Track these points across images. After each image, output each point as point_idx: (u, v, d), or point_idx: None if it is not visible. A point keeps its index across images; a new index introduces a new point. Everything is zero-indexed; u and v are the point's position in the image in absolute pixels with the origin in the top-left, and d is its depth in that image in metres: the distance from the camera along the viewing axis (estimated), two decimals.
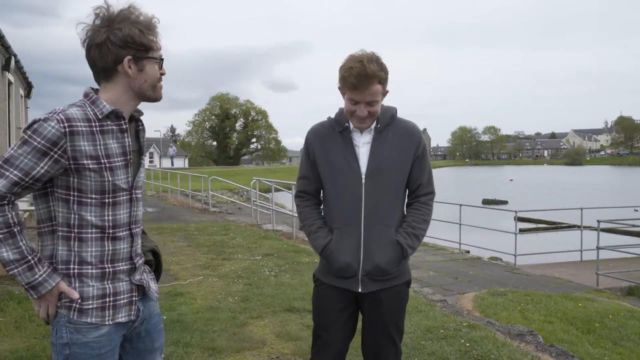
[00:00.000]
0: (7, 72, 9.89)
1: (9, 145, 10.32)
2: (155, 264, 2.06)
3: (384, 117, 2.33)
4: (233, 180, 20.16)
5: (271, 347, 4.14)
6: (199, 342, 4.14)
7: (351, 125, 2.33)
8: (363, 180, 2.28)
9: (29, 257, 1.61)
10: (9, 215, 1.58)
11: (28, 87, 14.02)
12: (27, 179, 1.58)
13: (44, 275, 1.63)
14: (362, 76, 2.14)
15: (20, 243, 1.60)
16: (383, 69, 2.21)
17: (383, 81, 2.22)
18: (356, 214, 2.28)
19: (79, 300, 1.68)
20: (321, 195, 2.47)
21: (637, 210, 16.92)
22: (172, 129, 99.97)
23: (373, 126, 2.32)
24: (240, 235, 10.21)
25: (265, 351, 4.04)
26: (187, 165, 53.80)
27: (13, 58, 9.93)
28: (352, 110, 2.25)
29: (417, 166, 2.35)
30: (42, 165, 1.58)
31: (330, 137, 2.35)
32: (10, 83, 10.61)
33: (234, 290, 5.88)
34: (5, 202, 1.58)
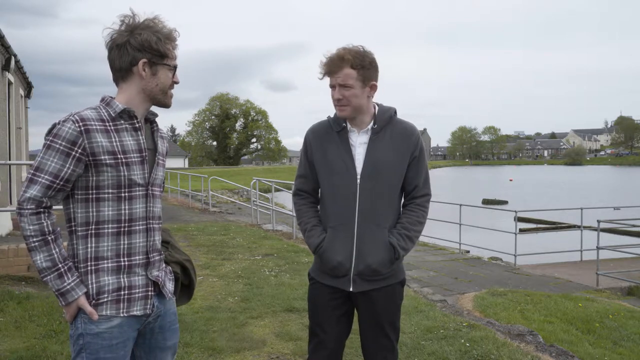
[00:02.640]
0: (7, 72, 9.87)
1: (9, 145, 10.31)
2: (187, 279, 2.06)
3: (382, 118, 2.33)
4: (233, 180, 20.21)
5: (271, 347, 4.14)
6: (199, 342, 4.13)
7: (349, 125, 2.34)
8: (358, 181, 2.29)
9: (60, 266, 1.71)
10: (45, 224, 1.70)
11: (28, 87, 14.01)
12: (57, 181, 1.69)
13: (72, 284, 1.72)
14: (334, 59, 2.22)
15: (54, 251, 1.70)
16: (360, 56, 2.23)
17: (357, 67, 2.22)
18: (350, 213, 2.29)
19: (95, 295, 1.75)
20: (319, 194, 2.48)
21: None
22: (172, 129, 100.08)
23: (370, 126, 2.32)
24: (240, 235, 10.21)
25: (265, 351, 4.04)
26: (187, 165, 53.86)
27: (13, 58, 9.90)
28: (332, 96, 2.29)
29: (414, 168, 2.35)
30: (67, 165, 1.69)
31: (327, 136, 2.36)
32: (10, 83, 10.59)
33: (234, 290, 5.88)
34: (42, 209, 1.69)
